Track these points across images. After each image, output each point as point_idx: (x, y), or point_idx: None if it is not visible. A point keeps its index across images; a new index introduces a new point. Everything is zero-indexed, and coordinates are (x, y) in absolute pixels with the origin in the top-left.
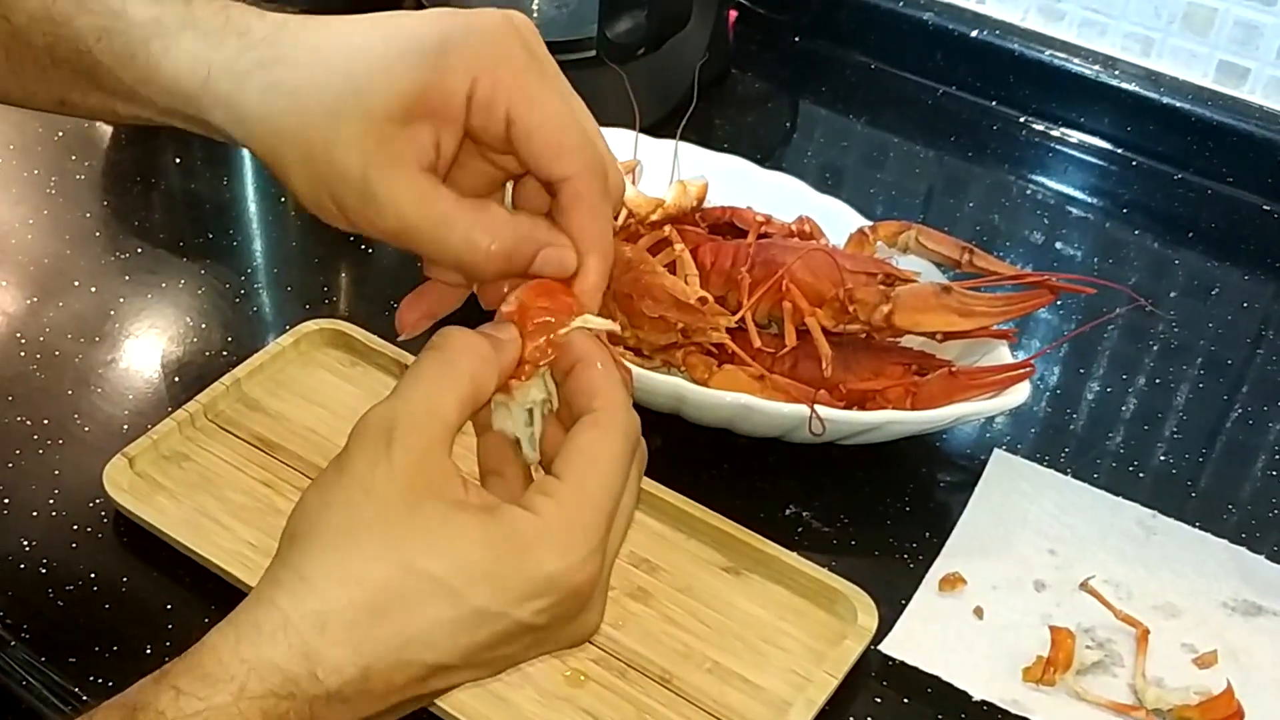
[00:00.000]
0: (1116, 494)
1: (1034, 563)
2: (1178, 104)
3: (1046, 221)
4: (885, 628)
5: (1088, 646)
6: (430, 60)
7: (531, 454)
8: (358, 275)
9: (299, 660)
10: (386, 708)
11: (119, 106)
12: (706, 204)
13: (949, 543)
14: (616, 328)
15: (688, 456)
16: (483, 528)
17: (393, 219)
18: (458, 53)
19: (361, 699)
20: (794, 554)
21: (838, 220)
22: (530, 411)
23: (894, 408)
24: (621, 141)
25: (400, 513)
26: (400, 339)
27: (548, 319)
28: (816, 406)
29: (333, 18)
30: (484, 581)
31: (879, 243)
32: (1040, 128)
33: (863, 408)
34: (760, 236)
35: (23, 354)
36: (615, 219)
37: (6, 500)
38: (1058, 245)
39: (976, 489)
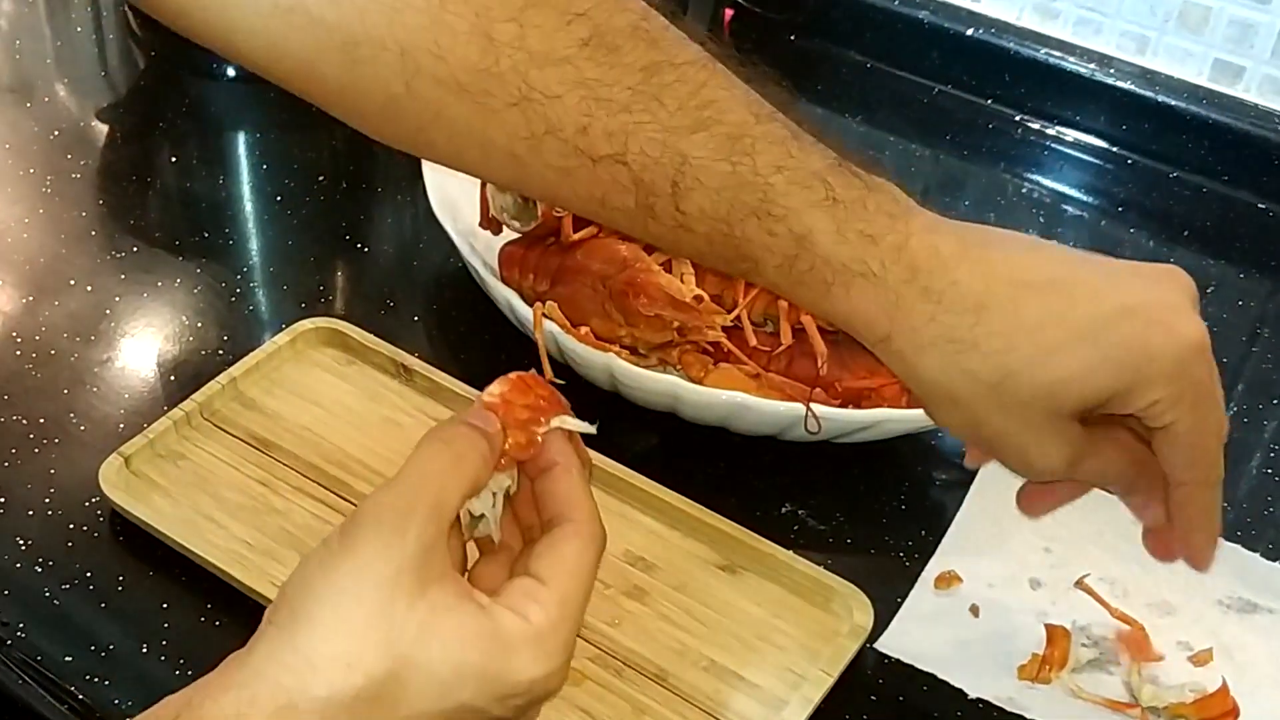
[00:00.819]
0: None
1: (1029, 561)
2: (1173, 102)
3: (1042, 220)
4: (881, 626)
5: (1083, 644)
6: (1125, 379)
7: (494, 533)
8: (354, 274)
9: None
10: None
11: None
12: None
13: (944, 541)
14: (592, 429)
15: (683, 455)
16: (477, 627)
17: (1049, 475)
18: (1150, 374)
19: None
20: (790, 552)
21: None
22: (495, 495)
23: (890, 406)
24: None
25: (406, 604)
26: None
27: (530, 414)
28: (812, 405)
29: (1026, 268)
30: (473, 680)
31: None
32: (1036, 126)
33: (858, 406)
34: None
35: (18, 353)
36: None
37: (2, 499)
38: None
39: (972, 487)
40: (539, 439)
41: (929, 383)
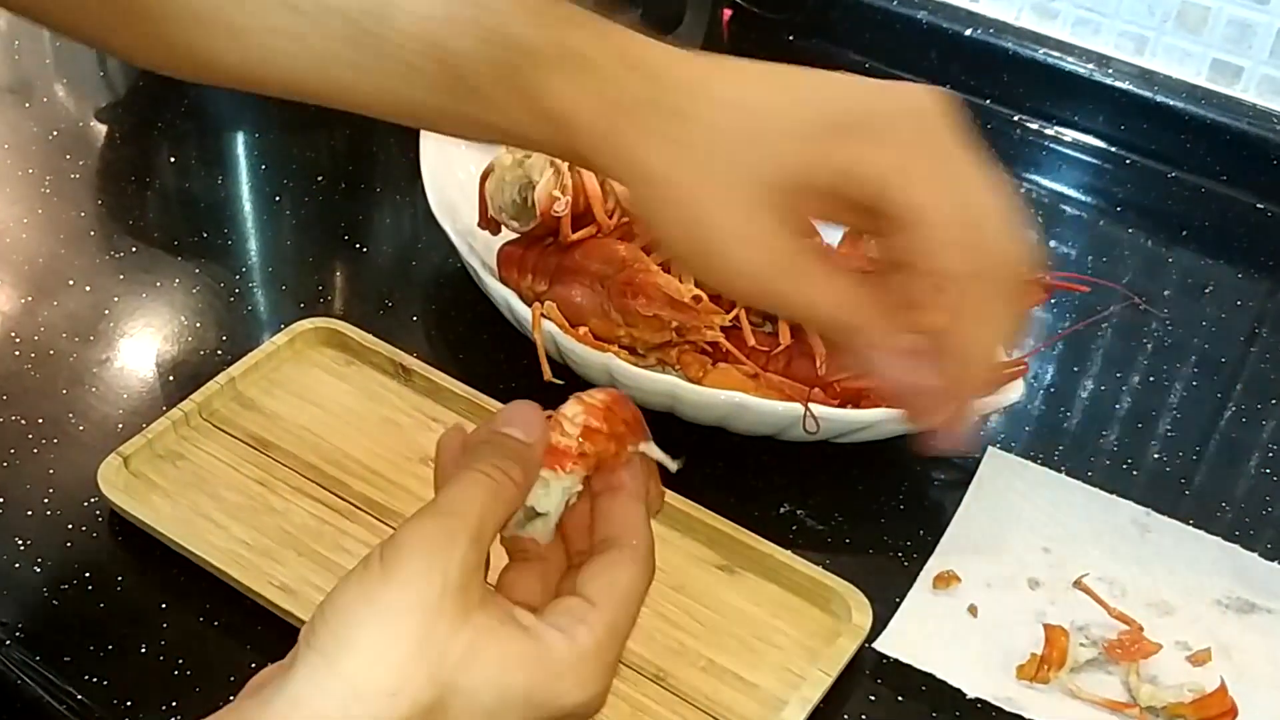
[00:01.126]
0: (1110, 492)
1: (1028, 560)
2: (1171, 102)
3: (1040, 220)
4: (879, 626)
5: (1082, 644)
6: (841, 141)
7: (548, 535)
8: (352, 274)
9: None
10: None
11: (477, 134)
12: None
13: (943, 541)
14: (674, 466)
15: (681, 454)
16: (522, 650)
17: (758, 282)
18: (872, 136)
19: None
20: (788, 552)
21: None
22: (564, 494)
23: (888, 406)
24: None
25: (450, 629)
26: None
27: (626, 429)
28: (811, 405)
29: (734, 63)
30: (519, 705)
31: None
32: (1034, 126)
33: (857, 406)
34: None
35: (17, 353)
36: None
37: (1, 500)
38: (1052, 243)
39: (970, 487)
40: (627, 455)
41: (647, 170)
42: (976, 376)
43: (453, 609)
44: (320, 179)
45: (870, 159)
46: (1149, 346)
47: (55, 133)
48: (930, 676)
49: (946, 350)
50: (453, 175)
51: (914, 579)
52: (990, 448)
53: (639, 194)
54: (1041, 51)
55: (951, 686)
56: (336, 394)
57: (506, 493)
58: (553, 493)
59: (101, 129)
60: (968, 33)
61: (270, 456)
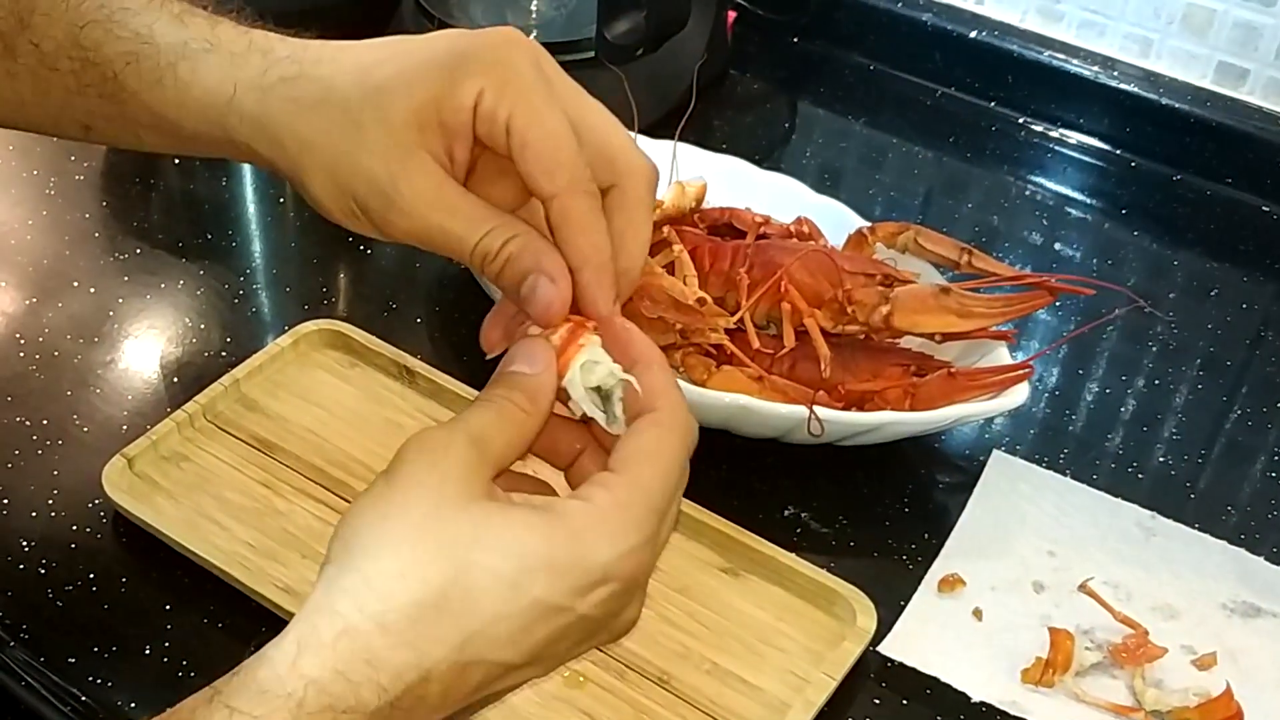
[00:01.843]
0: (1116, 495)
1: (1033, 564)
2: (1176, 105)
3: (1045, 222)
4: (884, 629)
5: (1087, 648)
6: (443, 74)
7: (617, 426)
8: (356, 276)
9: (362, 667)
10: (442, 714)
11: (144, 134)
12: (705, 205)
13: (948, 544)
14: None
15: None
16: (534, 519)
17: (418, 221)
18: (466, 66)
19: (418, 708)
20: (792, 555)
21: (836, 221)
22: (599, 390)
23: (893, 409)
24: None
25: (453, 512)
26: (489, 358)
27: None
28: (815, 407)
29: (349, 41)
30: (541, 571)
31: (878, 244)
32: (1039, 129)
33: (861, 409)
34: (759, 237)
35: (22, 354)
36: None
37: (5, 501)
38: (1056, 246)
39: (975, 490)
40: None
41: (302, 137)
42: (604, 283)
43: (455, 496)
44: None
45: (471, 90)
46: (1154, 349)
47: None
48: (935, 680)
49: (573, 265)
50: None
51: (919, 582)
52: (995, 451)
53: (299, 162)
54: (1046, 54)
55: (956, 690)
56: (340, 396)
57: (510, 412)
58: (601, 367)
59: None
60: (972, 35)
61: (274, 458)
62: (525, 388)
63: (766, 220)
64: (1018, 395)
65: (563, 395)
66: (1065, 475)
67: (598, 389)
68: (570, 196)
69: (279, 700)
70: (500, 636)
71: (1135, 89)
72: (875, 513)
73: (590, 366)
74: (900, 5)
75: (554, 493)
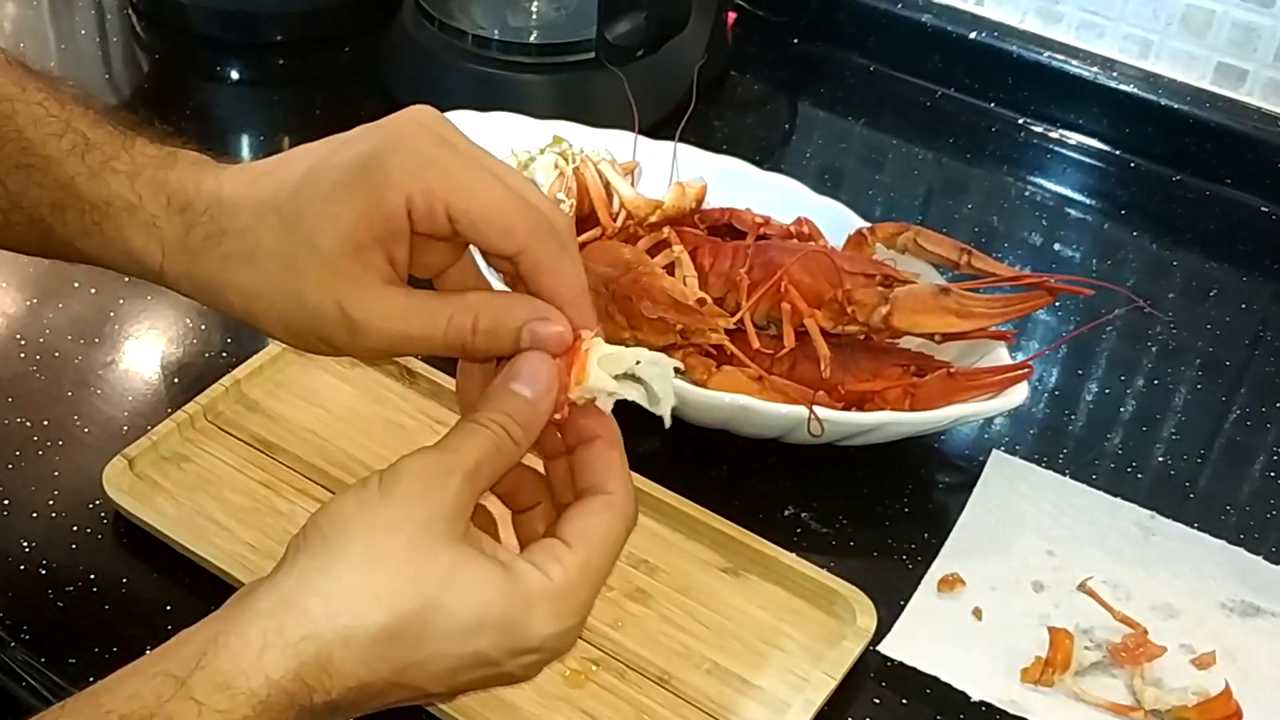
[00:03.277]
0: (1115, 495)
1: (1032, 563)
2: (1176, 106)
3: (1045, 223)
4: (884, 628)
5: (1086, 647)
6: (362, 192)
7: (660, 406)
8: None
9: (318, 673)
10: (363, 712)
11: (79, 260)
12: (705, 205)
13: (947, 544)
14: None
15: (686, 457)
16: (500, 579)
17: (382, 338)
18: (384, 176)
19: (349, 709)
20: (793, 555)
21: (836, 221)
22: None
23: (892, 409)
24: (620, 143)
25: (435, 550)
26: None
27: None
28: (815, 407)
29: (255, 165)
30: (492, 629)
31: (878, 244)
32: (1039, 129)
33: (861, 409)
34: (759, 238)
35: (22, 355)
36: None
37: (6, 501)
38: (1056, 247)
39: (975, 490)
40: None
41: (242, 287)
42: (585, 307)
43: (441, 533)
44: None
45: (398, 198)
46: (1153, 350)
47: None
48: (934, 679)
49: (556, 304)
50: None
51: (918, 582)
52: (995, 451)
53: (249, 311)
54: (1046, 55)
55: (956, 689)
56: (341, 396)
57: (505, 447)
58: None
59: None
60: (972, 36)
61: (275, 459)
62: (523, 419)
63: (766, 221)
64: (1017, 395)
65: (580, 399)
66: (1065, 475)
67: (627, 375)
68: (535, 245)
69: (243, 697)
70: (435, 672)
71: (1134, 90)
72: (875, 512)
73: (607, 360)
74: (900, 6)
75: (497, 533)
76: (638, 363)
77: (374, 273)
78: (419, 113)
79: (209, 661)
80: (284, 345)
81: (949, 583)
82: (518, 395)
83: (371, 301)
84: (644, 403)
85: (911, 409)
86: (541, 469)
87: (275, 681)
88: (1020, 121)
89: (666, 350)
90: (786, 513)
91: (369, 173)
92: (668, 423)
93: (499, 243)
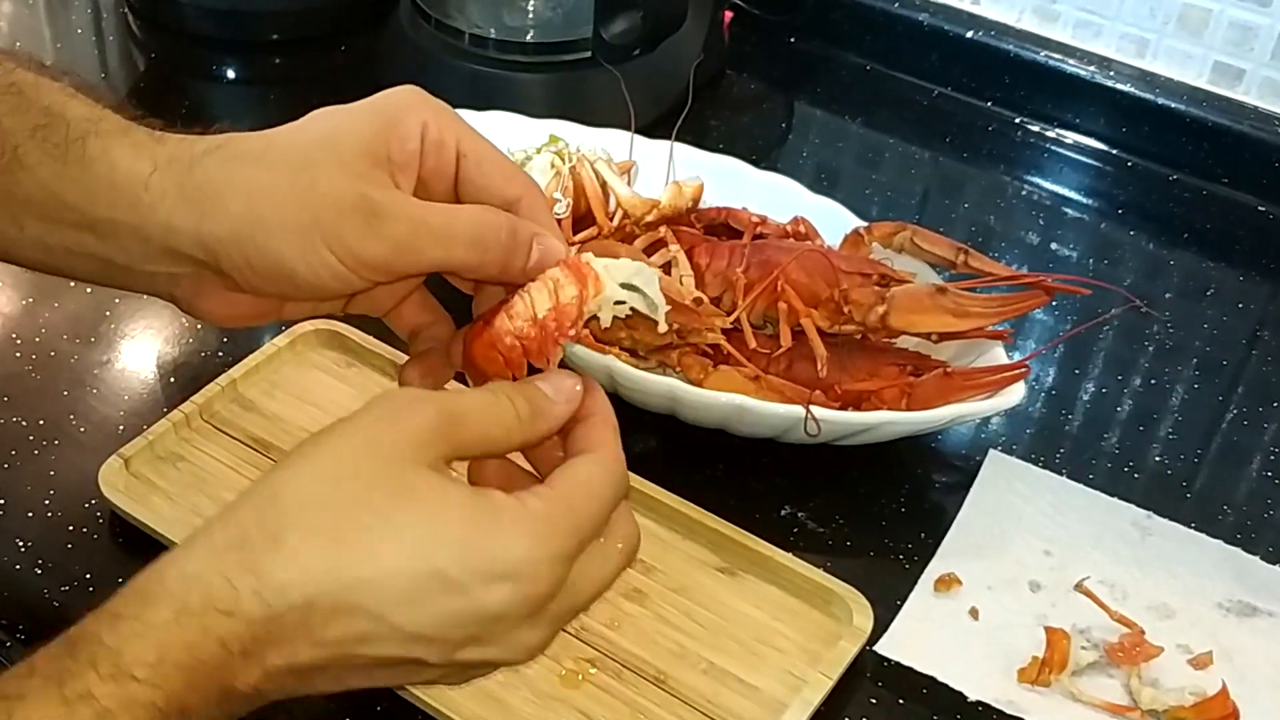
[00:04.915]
0: (1112, 495)
1: (1029, 563)
2: (1173, 105)
3: (1042, 222)
4: (880, 628)
5: (1083, 647)
6: (383, 117)
7: (660, 317)
8: None
9: (246, 576)
10: (324, 662)
11: (28, 224)
12: (702, 205)
13: (944, 543)
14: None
15: (683, 457)
16: (463, 497)
17: (404, 222)
18: (403, 107)
19: (300, 638)
20: (789, 554)
21: (833, 221)
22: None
23: (889, 408)
24: (617, 142)
25: (390, 467)
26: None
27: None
28: (812, 407)
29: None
30: (453, 544)
31: (874, 243)
32: (1035, 129)
33: (858, 408)
34: (756, 237)
35: (18, 354)
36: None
37: (2, 501)
38: (1053, 246)
39: (972, 490)
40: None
41: (217, 189)
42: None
43: (403, 456)
44: None
45: (416, 123)
46: (1150, 349)
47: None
48: (931, 679)
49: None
50: None
51: (915, 582)
52: (992, 450)
53: (247, 211)
54: (1043, 54)
55: (952, 689)
56: (337, 396)
57: (505, 412)
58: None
59: None
60: (969, 35)
61: (271, 458)
62: (535, 403)
63: (763, 220)
64: (1014, 395)
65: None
66: (1061, 475)
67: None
68: (530, 195)
69: (162, 601)
70: (391, 592)
71: (1131, 89)
72: (872, 512)
73: (612, 269)
74: (897, 5)
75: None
76: (639, 271)
77: (388, 181)
78: (408, 86)
79: (133, 581)
80: (275, 344)
81: (946, 582)
82: (538, 385)
83: (391, 191)
84: (643, 308)
85: (908, 408)
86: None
87: (195, 584)
88: (1017, 121)
89: (663, 349)
90: (783, 512)
91: (387, 103)
92: (663, 326)
93: (503, 187)
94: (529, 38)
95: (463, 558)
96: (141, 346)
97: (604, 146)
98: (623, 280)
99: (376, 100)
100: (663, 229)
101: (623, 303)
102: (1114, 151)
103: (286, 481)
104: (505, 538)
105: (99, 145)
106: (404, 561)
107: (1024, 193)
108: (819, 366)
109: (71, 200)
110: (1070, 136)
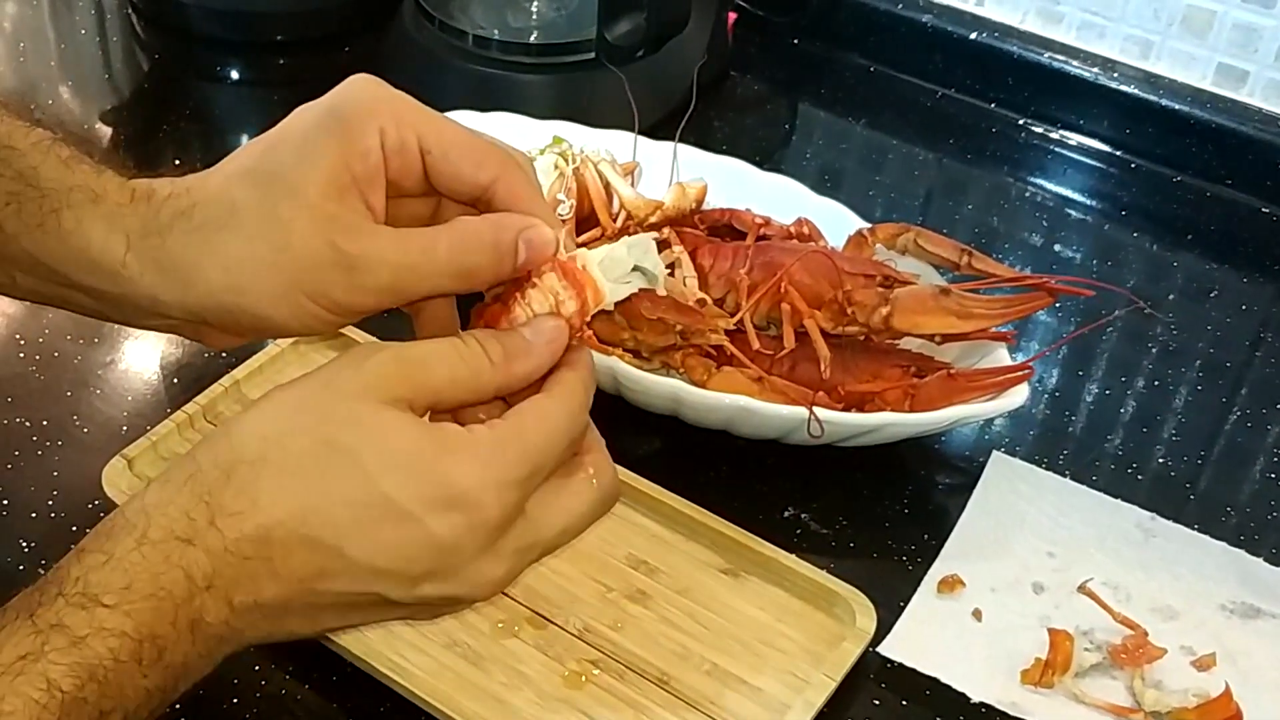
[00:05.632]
0: (1115, 496)
1: (1032, 565)
2: (1177, 106)
3: (1045, 224)
4: (884, 630)
5: (1086, 649)
6: (334, 134)
7: (660, 286)
8: None
9: (199, 506)
10: (289, 598)
11: (20, 277)
12: (705, 206)
13: (947, 545)
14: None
15: (686, 458)
16: (411, 428)
17: (383, 271)
18: (353, 111)
19: (262, 572)
20: (792, 556)
21: (837, 222)
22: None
23: (893, 410)
24: (620, 143)
25: (339, 401)
26: None
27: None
28: (815, 408)
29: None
30: (401, 470)
31: (878, 245)
32: (1039, 130)
33: (861, 410)
34: (759, 238)
35: (22, 355)
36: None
37: (5, 501)
38: (1056, 247)
39: (975, 491)
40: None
41: (194, 260)
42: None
43: (349, 390)
44: None
45: (372, 132)
46: (1154, 351)
47: (60, 135)
48: (934, 681)
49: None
50: None
51: (918, 583)
52: (995, 452)
53: (228, 282)
54: (1046, 55)
55: (956, 691)
56: None
57: (474, 356)
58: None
59: (106, 131)
60: (972, 36)
61: None
62: (510, 345)
63: (767, 221)
64: (1017, 396)
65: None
66: (1065, 476)
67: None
68: (506, 174)
69: (123, 534)
70: (343, 521)
71: (1135, 90)
72: (875, 514)
73: (608, 265)
74: (900, 7)
75: None
76: (629, 252)
77: (360, 214)
78: (365, 76)
79: (99, 523)
80: (279, 345)
81: (949, 584)
82: (516, 331)
83: (365, 236)
84: (647, 284)
85: (911, 410)
86: None
87: (153, 515)
88: (1021, 122)
89: (666, 350)
90: (786, 514)
91: (339, 114)
92: (662, 290)
93: (473, 174)
94: (533, 39)
95: (408, 484)
96: (145, 347)
97: (607, 148)
98: (622, 271)
99: (333, 109)
100: (666, 230)
101: (628, 283)
102: (1117, 153)
103: (243, 420)
104: (450, 463)
105: (72, 219)
106: (352, 490)
107: (1027, 194)
108: (822, 368)
109: (56, 267)
110: (1074, 138)
